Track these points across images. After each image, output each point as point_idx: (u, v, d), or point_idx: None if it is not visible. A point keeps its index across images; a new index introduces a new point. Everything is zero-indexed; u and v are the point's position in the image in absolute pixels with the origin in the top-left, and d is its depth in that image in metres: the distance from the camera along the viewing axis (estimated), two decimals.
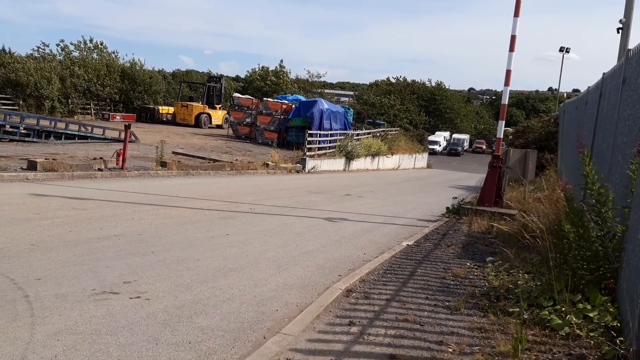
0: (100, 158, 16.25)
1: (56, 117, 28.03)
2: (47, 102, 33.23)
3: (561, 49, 60.38)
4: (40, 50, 38.97)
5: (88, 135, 22.68)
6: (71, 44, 40.46)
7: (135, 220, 9.22)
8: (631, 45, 8.97)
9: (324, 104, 30.71)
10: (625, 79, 6.69)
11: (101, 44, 42.05)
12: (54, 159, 14.75)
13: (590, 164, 5.78)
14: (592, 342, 4.44)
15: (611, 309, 4.86)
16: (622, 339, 4.30)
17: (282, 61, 58.75)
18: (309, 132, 26.55)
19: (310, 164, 24.57)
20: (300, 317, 5.12)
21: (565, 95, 60.43)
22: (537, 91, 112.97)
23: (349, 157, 28.79)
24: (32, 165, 13.47)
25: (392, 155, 35.71)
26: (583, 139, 9.75)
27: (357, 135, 32.83)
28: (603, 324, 4.69)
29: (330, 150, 28.38)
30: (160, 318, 4.96)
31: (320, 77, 61.13)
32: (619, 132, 6.70)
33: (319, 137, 27.84)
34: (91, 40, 41.39)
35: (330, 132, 29.55)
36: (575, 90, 72.70)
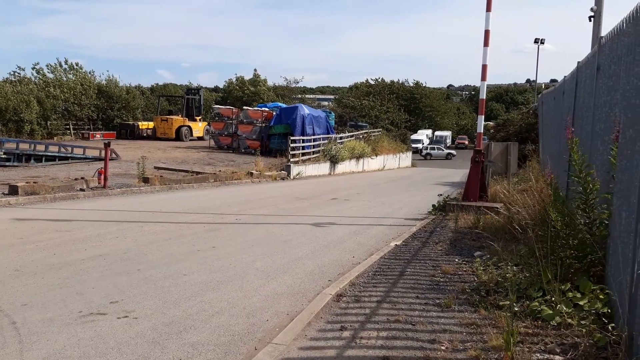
0: (82, 178, 16.08)
1: (36, 140, 27.71)
2: (26, 125, 32.82)
3: (536, 41, 61.19)
4: (16, 74, 38.60)
5: (68, 155, 22.47)
6: (47, 66, 40.08)
7: (119, 239, 9.11)
8: (604, 32, 9.06)
9: (305, 110, 30.68)
10: (599, 67, 6.75)
11: (76, 64, 41.68)
12: (35, 182, 14.56)
13: (579, 151, 5.79)
14: (584, 330, 4.43)
15: (601, 296, 4.86)
16: (613, 325, 4.30)
17: (256, 70, 58.05)
18: (292, 138, 26.50)
19: (295, 170, 24.52)
20: (291, 326, 5.06)
21: (543, 86, 61.05)
22: (515, 84, 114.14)
23: (334, 160, 28.79)
24: (13, 190, 13.29)
25: (377, 156, 35.79)
26: (570, 127, 9.83)
27: (341, 138, 32.84)
28: (594, 312, 4.69)
29: (315, 155, 28.36)
30: (149, 336, 4.88)
31: (297, 82, 60.71)
32: (596, 120, 6.75)
33: (302, 142, 27.79)
34: (66, 62, 41.01)
35: (313, 137, 29.52)
36: (553, 81, 73.53)
